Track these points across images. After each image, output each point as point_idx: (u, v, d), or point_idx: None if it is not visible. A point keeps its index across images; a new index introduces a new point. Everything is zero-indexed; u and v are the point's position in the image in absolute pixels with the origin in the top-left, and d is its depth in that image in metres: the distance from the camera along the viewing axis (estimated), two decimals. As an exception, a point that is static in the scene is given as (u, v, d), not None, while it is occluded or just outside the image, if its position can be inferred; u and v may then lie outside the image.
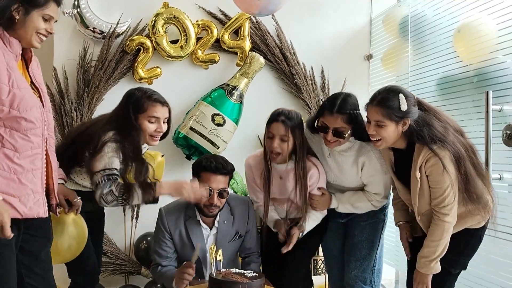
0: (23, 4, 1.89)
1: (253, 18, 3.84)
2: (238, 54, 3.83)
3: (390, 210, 2.95)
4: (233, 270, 2.33)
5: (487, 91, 2.62)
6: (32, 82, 2.01)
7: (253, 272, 2.31)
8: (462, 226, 2.33)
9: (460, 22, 2.97)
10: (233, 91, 3.64)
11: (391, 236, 3.63)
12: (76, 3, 3.61)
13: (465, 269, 2.39)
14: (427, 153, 2.22)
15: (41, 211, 1.96)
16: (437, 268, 2.29)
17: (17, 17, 1.89)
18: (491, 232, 2.46)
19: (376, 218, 2.69)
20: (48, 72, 3.69)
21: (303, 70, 3.90)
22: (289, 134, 2.49)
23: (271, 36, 3.88)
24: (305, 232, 2.60)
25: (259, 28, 3.87)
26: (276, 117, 2.53)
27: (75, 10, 3.61)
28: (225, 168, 2.56)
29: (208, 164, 2.53)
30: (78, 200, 2.37)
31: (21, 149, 1.89)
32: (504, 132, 2.58)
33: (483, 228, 2.36)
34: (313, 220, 2.65)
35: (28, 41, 1.94)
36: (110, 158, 2.28)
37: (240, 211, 2.72)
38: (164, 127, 2.46)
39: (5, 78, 1.83)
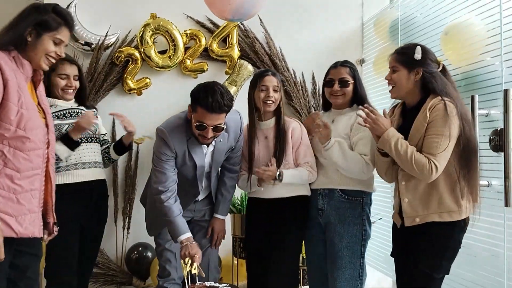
0: (35, 28, 1.95)
1: (241, 26, 3.82)
2: (227, 63, 3.81)
3: (380, 223, 2.90)
4: (207, 283, 2.29)
5: (473, 96, 2.55)
6: (38, 103, 2.05)
7: (228, 286, 2.27)
8: (428, 205, 2.26)
9: (447, 24, 2.89)
10: (222, 100, 3.61)
11: (387, 245, 3.55)
12: (64, 16, 3.63)
13: (447, 273, 2.32)
14: (437, 100, 2.24)
15: (36, 231, 1.98)
16: (383, 143, 2.27)
17: (29, 39, 1.95)
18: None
19: (355, 225, 2.63)
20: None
21: (293, 76, 3.86)
22: (279, 86, 2.73)
23: (260, 43, 3.85)
24: (283, 179, 2.59)
25: (248, 36, 3.85)
26: (265, 72, 2.78)
27: (63, 23, 3.62)
28: (221, 108, 2.46)
29: (204, 102, 2.45)
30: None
31: (22, 170, 1.92)
32: (491, 137, 2.50)
33: (461, 228, 2.28)
34: (296, 171, 2.65)
35: (37, 63, 1.99)
36: None
37: (233, 126, 2.71)
38: (75, 83, 2.79)
39: (15, 99, 1.88)
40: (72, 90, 2.78)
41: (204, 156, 2.68)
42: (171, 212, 2.60)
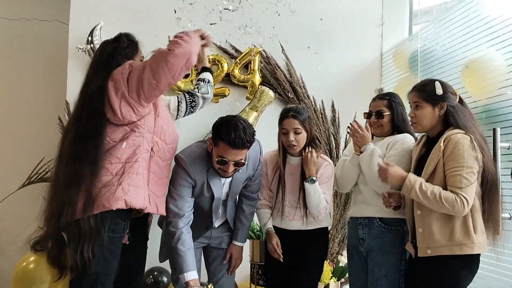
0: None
1: (263, 53, 3.88)
2: (248, 88, 3.86)
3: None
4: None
5: (494, 128, 2.57)
6: None
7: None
8: (440, 236, 2.26)
9: (468, 57, 2.94)
10: (242, 125, 3.65)
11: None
12: (89, 39, 3.71)
13: None
14: (453, 133, 2.29)
15: (164, 210, 2.48)
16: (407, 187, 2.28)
17: None
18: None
19: (395, 254, 2.60)
20: (61, 106, 3.77)
21: (313, 103, 3.91)
22: (301, 127, 2.69)
23: (281, 70, 3.91)
24: (314, 181, 2.65)
25: (269, 62, 3.91)
26: (286, 113, 2.73)
27: (89, 46, 3.70)
28: (243, 144, 2.44)
29: (227, 138, 2.42)
30: None
31: (164, 159, 2.39)
32: (514, 170, 2.52)
33: (466, 264, 2.26)
34: (319, 192, 2.66)
35: None
36: None
37: (252, 156, 2.69)
38: None
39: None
40: None
41: (222, 187, 2.67)
42: (185, 243, 2.54)
